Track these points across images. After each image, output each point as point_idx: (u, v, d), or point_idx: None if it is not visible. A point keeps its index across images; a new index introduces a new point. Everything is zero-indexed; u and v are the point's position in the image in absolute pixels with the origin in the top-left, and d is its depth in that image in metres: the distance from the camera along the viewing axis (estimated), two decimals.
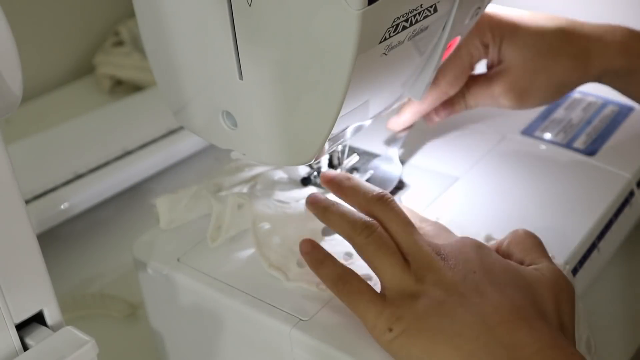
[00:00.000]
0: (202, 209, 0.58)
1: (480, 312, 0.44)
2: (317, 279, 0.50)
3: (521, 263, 0.49)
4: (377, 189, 0.52)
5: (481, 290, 0.45)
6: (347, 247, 0.52)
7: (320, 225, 0.55)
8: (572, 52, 0.63)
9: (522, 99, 0.63)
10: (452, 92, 0.63)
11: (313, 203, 0.53)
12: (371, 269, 0.49)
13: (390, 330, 0.45)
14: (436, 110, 0.65)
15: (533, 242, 0.51)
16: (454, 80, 0.62)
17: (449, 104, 0.65)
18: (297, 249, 0.52)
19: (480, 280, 0.46)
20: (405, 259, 0.48)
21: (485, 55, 0.64)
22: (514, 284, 0.46)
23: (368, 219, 0.49)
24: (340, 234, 0.51)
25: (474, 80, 0.64)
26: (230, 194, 0.57)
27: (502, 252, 0.51)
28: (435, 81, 0.61)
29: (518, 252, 0.50)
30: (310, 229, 0.55)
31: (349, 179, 0.54)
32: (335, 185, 0.54)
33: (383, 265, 0.48)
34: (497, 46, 0.63)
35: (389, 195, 0.51)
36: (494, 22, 0.62)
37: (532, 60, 0.62)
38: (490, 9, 0.63)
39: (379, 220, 0.50)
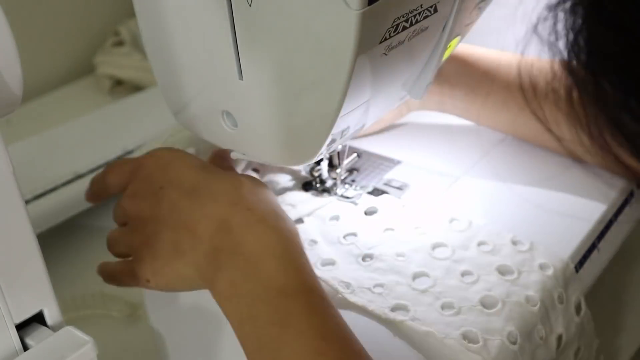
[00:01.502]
0: None
1: (180, 222, 0.48)
2: None
3: None
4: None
5: (173, 202, 0.49)
6: (312, 235, 0.55)
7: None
8: None
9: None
10: None
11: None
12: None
13: (148, 280, 0.50)
14: None
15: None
16: None
17: None
18: None
19: (168, 193, 0.49)
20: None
21: None
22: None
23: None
24: None
25: None
26: None
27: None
28: None
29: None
30: None
31: None
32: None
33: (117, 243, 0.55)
34: None
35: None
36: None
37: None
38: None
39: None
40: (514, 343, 0.47)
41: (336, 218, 0.57)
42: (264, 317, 0.44)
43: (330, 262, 0.53)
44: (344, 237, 0.55)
